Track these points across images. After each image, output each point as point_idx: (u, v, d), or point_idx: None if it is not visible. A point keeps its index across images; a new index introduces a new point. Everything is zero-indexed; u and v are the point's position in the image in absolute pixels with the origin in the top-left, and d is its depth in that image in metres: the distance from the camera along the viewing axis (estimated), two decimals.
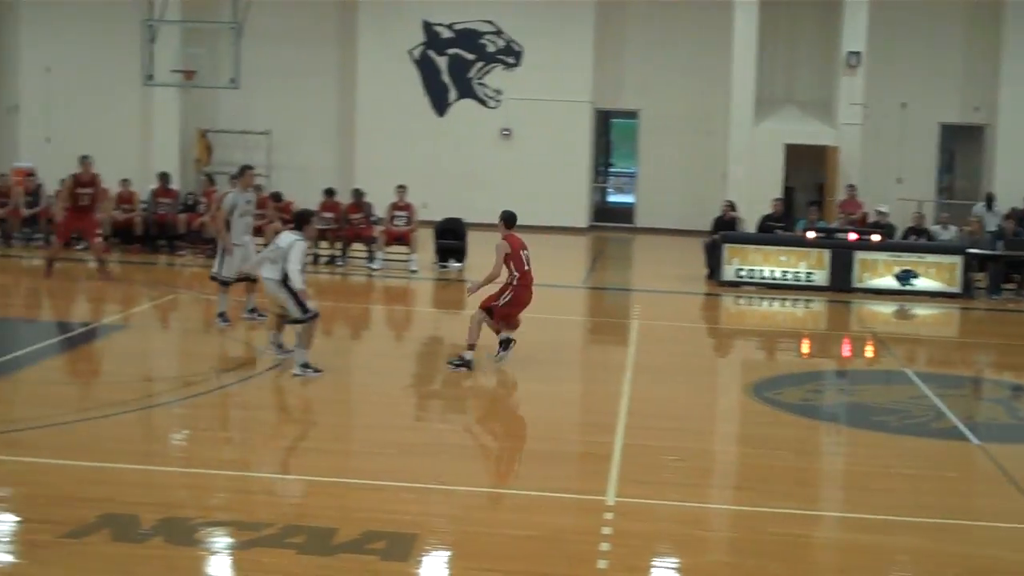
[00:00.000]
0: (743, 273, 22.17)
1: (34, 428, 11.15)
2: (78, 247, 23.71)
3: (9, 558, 7.96)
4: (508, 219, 15.39)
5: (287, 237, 13.77)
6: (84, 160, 20.23)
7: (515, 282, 14.56)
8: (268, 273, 13.76)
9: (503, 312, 14.54)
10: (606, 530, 8.80)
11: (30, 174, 25.30)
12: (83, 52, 32.32)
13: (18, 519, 8.67)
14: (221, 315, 16.25)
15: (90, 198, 20.09)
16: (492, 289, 14.66)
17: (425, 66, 31.65)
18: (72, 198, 19.95)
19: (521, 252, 14.85)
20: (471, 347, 14.16)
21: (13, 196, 24.50)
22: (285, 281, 13.52)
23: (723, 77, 29.98)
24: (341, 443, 11.46)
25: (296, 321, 13.73)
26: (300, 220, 14.15)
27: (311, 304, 13.58)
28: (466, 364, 14.12)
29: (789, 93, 30.94)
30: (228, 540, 8.29)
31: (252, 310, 16.51)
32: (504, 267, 14.62)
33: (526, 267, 14.74)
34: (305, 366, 13.56)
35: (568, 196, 31.35)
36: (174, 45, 27.34)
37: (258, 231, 22.90)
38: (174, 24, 27.25)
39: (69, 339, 15.58)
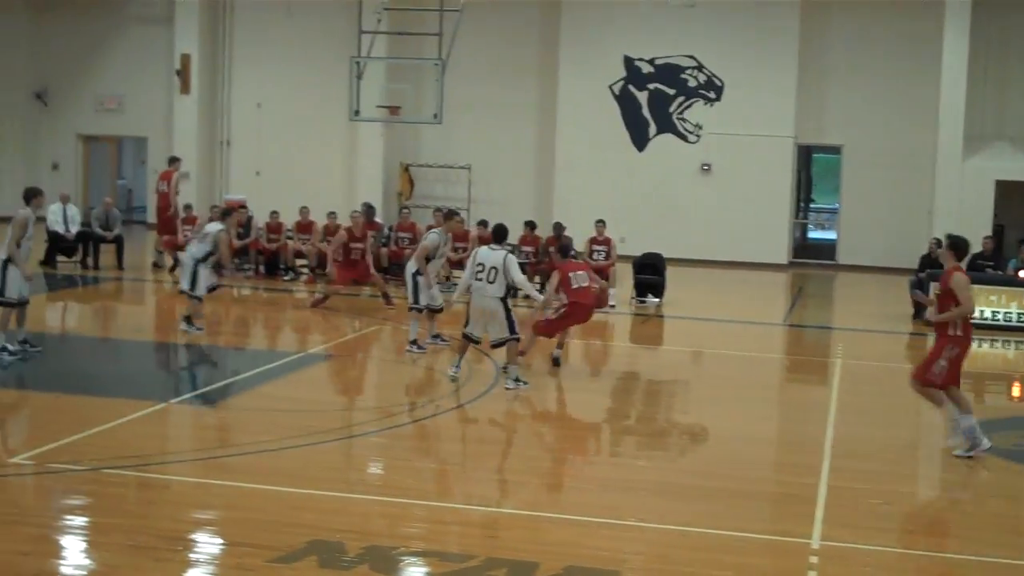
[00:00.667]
0: None
1: (245, 454, 11.47)
2: (285, 277, 24.39)
3: None
4: (563, 250, 16.90)
5: (495, 254, 14.65)
6: (357, 214, 21.36)
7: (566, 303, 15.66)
8: (491, 292, 14.52)
9: (547, 322, 15.86)
10: (811, 574, 8.61)
11: (242, 206, 26.10)
12: (292, 89, 33.35)
13: (229, 542, 8.90)
14: (414, 342, 16.91)
15: (360, 252, 21.26)
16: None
17: (625, 101, 31.67)
18: (345, 252, 21.01)
19: (571, 275, 15.76)
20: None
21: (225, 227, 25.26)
22: (505, 297, 14.62)
23: (930, 111, 29.26)
24: (538, 476, 11.47)
25: (498, 344, 14.75)
26: (500, 234, 15.28)
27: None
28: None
29: (999, 128, 30.01)
30: (430, 570, 8.37)
31: (436, 336, 17.28)
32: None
33: (573, 286, 15.60)
34: (517, 380, 14.68)
35: (768, 232, 30.94)
36: (380, 81, 27.93)
37: (458, 264, 23.25)
38: (380, 61, 27.87)
39: (277, 368, 15.99)
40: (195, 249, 18.05)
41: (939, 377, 12.30)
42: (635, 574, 8.55)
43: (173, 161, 27.42)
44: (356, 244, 21.05)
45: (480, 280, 14.69)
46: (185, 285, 17.84)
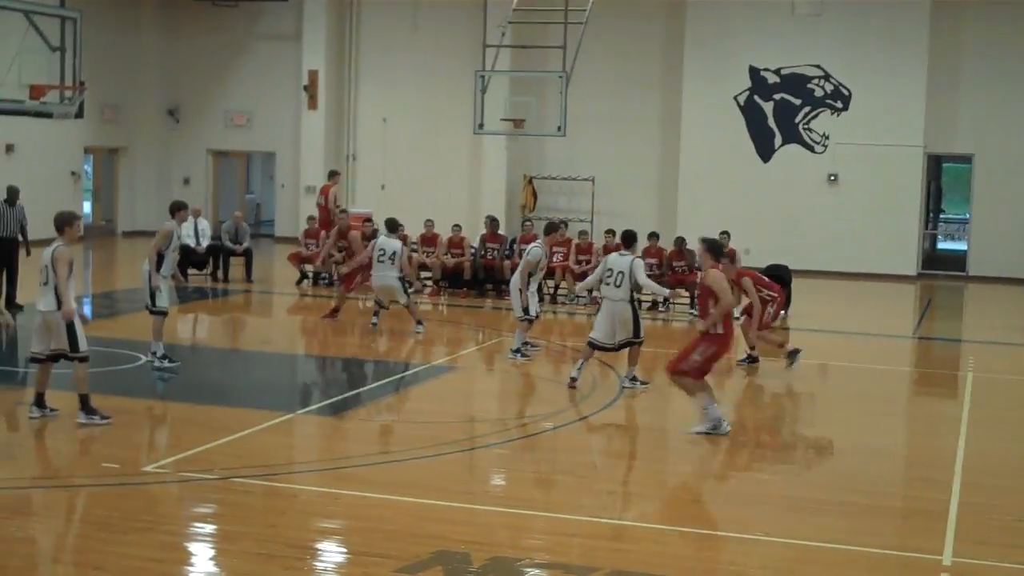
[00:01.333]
0: None
1: (370, 465, 11.59)
2: (410, 290, 24.58)
3: None
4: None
5: (623, 259, 15.21)
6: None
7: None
8: (619, 296, 15.08)
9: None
10: None
11: (367, 220, 26.38)
12: (417, 103, 33.72)
13: (355, 552, 9.00)
14: (518, 351, 17.35)
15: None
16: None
17: (751, 111, 31.42)
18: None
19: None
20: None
21: (352, 240, 25.59)
22: (632, 300, 15.12)
23: None
24: (661, 489, 11.41)
25: (628, 343, 15.20)
26: (629, 240, 15.74)
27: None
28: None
29: None
30: None
31: (526, 343, 17.67)
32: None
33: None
34: (634, 379, 15.35)
35: (896, 243, 30.44)
36: (503, 94, 28.07)
37: (583, 277, 23.23)
38: (504, 74, 28.01)
39: (401, 379, 16.13)
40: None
41: (692, 369, 12.95)
42: None
43: (332, 175, 27.38)
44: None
45: (608, 285, 15.15)
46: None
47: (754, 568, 8.87)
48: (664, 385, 16.19)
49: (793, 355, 17.37)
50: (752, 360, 17.70)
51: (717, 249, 13.42)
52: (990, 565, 9.12)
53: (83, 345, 12.39)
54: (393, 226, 20.32)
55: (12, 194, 20.65)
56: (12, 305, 19.36)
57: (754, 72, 31.34)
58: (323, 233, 25.44)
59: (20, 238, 20.36)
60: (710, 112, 31.41)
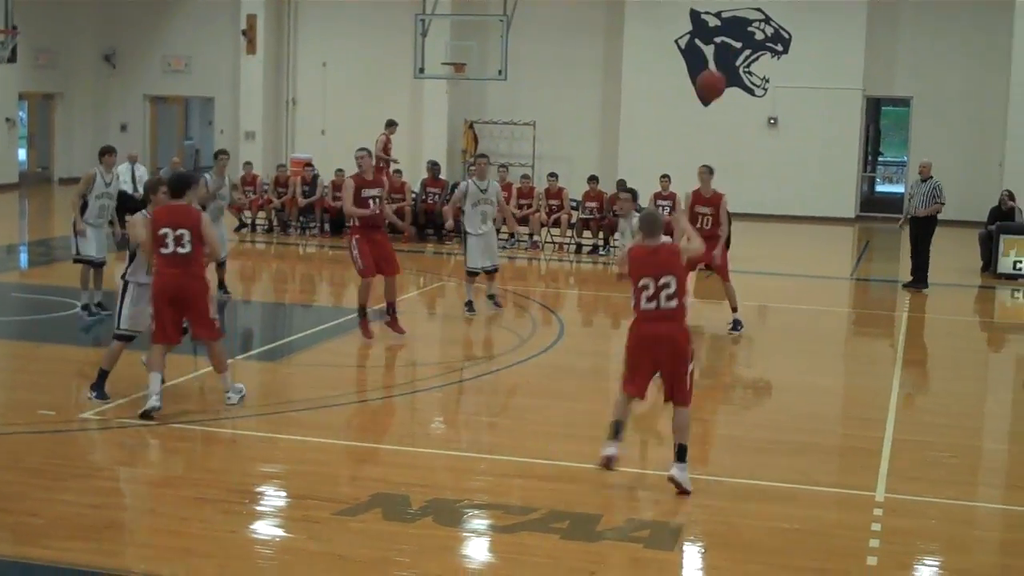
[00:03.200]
0: (1022, 266, 21.24)
1: (311, 408, 11.58)
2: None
3: (287, 533, 8.28)
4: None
5: None
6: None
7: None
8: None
9: None
10: (875, 526, 8.57)
11: (308, 165, 26.24)
12: (357, 47, 33.45)
13: (295, 495, 9.00)
14: (469, 304, 16.55)
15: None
16: None
17: (691, 55, 31.43)
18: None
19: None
20: None
21: (291, 186, 25.48)
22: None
23: (1002, 60, 28.79)
24: (601, 430, 11.45)
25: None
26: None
27: None
28: None
29: None
30: (494, 523, 8.42)
31: (491, 296, 16.75)
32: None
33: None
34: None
35: (835, 186, 30.65)
36: (444, 39, 27.91)
37: (523, 221, 23.24)
38: (445, 18, 27.84)
39: (340, 324, 16.09)
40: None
41: None
42: (700, 527, 8.56)
43: (390, 124, 26.24)
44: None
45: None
46: None
47: (692, 506, 8.95)
48: (605, 326, 16.29)
49: None
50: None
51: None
52: (922, 500, 9.26)
53: None
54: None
55: None
56: None
57: (695, 15, 31.33)
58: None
59: None
60: (651, 56, 31.39)
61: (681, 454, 9.06)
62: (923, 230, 19.79)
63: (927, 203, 19.71)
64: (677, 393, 9.28)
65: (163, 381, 10.94)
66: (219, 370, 11.16)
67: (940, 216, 19.92)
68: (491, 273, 16.55)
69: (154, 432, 10.54)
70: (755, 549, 8.12)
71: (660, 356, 9.26)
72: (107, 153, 15.49)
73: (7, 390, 12.23)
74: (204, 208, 13.76)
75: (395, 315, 14.68)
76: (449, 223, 17.41)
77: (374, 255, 14.32)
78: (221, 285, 16.88)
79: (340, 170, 24.97)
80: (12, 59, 22.26)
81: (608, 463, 9.20)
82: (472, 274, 16.49)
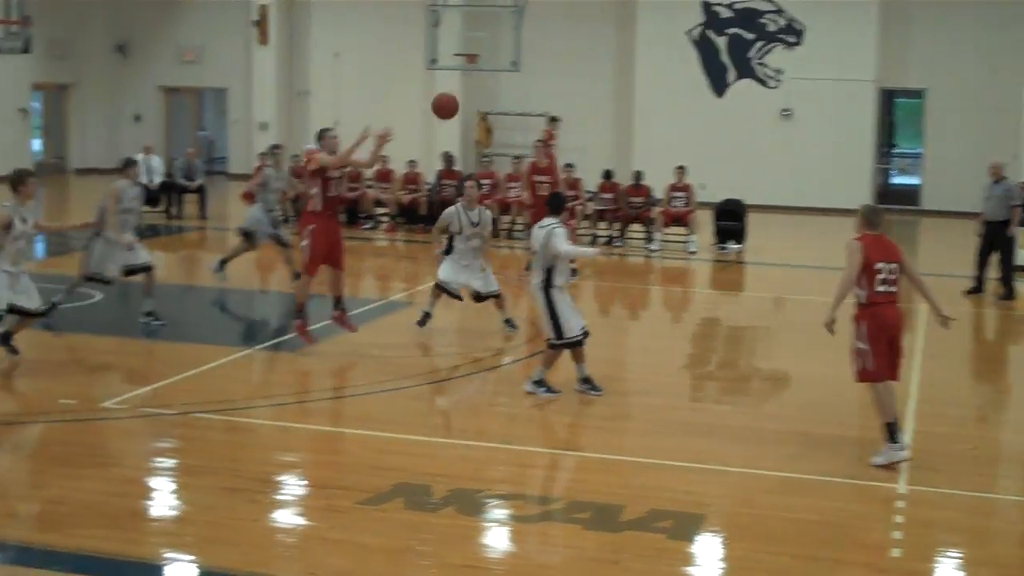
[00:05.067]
0: None
1: (331, 398, 11.62)
2: (365, 226, 24.56)
3: (309, 522, 8.31)
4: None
5: (539, 232, 12.22)
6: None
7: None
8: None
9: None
10: (898, 518, 8.58)
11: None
12: (370, 38, 33.45)
13: (318, 485, 9.03)
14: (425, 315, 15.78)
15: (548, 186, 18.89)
16: None
17: (704, 47, 31.37)
18: (531, 187, 19.49)
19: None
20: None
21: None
22: (546, 286, 11.85)
23: (1017, 51, 28.71)
24: (621, 421, 11.48)
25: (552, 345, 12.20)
26: (554, 206, 12.22)
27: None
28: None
29: None
30: (516, 512, 8.44)
31: (507, 321, 15.37)
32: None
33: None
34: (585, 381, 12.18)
35: (849, 177, 30.53)
36: (457, 29, 27.87)
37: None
38: (457, 8, 27.81)
39: (360, 315, 16.09)
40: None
41: None
42: (720, 518, 8.57)
43: (552, 121, 24.86)
44: (540, 177, 19.34)
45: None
46: None
47: (712, 497, 8.97)
48: (621, 317, 16.30)
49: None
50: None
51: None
52: (944, 492, 9.27)
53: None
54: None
55: None
56: None
57: (707, 6, 31.25)
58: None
59: None
60: (664, 47, 31.31)
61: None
62: (1000, 235, 18.80)
63: (1004, 207, 18.73)
64: (899, 369, 10.13)
65: None
66: None
67: (956, 208, 19.71)
68: (496, 299, 14.92)
69: (176, 422, 10.58)
70: (778, 540, 8.14)
71: (894, 334, 10.02)
72: (131, 165, 14.89)
73: (28, 379, 12.27)
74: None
75: (344, 310, 13.98)
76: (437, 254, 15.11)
77: (328, 245, 13.52)
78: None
79: (384, 157, 24.73)
80: (26, 50, 22.27)
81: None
82: (441, 289, 14.74)
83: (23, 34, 21.57)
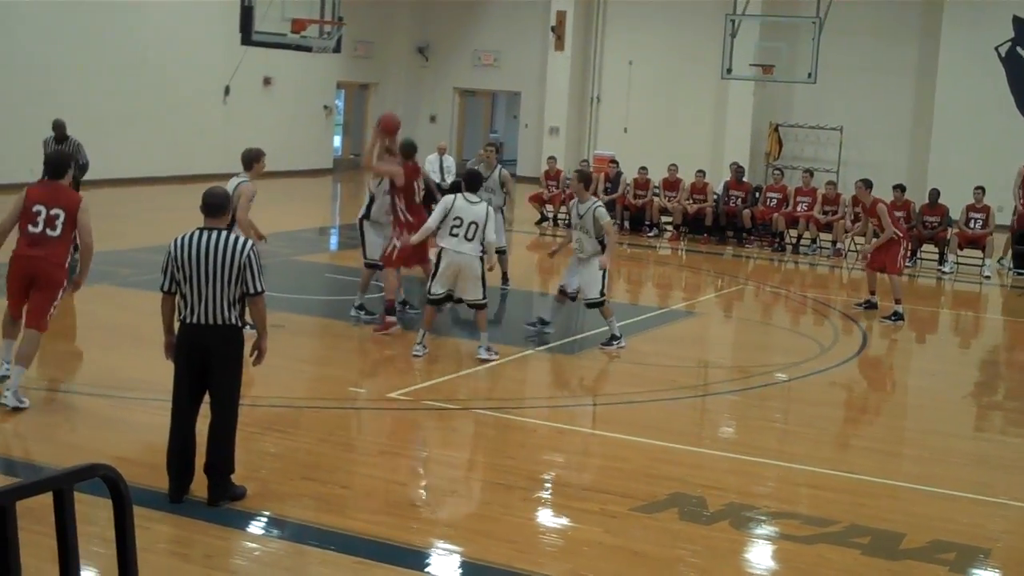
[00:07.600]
0: None
1: (611, 404, 11.68)
2: (649, 234, 24.58)
3: (583, 525, 8.35)
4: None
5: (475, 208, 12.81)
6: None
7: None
8: (467, 250, 12.68)
9: None
10: None
11: (612, 161, 26.45)
12: (663, 46, 33.48)
13: (593, 488, 9.08)
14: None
15: None
16: None
17: (1012, 63, 30.11)
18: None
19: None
20: None
21: (594, 182, 25.70)
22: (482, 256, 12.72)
23: None
24: (904, 447, 11.15)
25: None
26: (471, 181, 13.11)
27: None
28: None
29: None
30: (790, 532, 8.28)
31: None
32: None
33: None
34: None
35: None
36: (753, 39, 27.63)
37: (827, 227, 22.73)
38: (755, 18, 27.56)
39: (638, 322, 16.14)
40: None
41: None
42: (1007, 552, 8.21)
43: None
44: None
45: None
46: None
47: (998, 532, 8.61)
48: (908, 339, 15.83)
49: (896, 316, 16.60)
50: (870, 305, 17.09)
51: None
52: None
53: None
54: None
55: (59, 130, 17.67)
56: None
57: (1018, 22, 29.99)
58: None
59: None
60: (968, 63, 30.19)
61: None
62: None
63: None
64: None
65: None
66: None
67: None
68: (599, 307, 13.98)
69: (456, 416, 10.84)
70: None
71: None
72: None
73: (320, 366, 12.78)
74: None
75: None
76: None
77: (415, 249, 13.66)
78: (504, 276, 17.15)
79: (673, 165, 25.02)
80: (337, 49, 23.17)
81: None
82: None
83: (335, 34, 22.43)
